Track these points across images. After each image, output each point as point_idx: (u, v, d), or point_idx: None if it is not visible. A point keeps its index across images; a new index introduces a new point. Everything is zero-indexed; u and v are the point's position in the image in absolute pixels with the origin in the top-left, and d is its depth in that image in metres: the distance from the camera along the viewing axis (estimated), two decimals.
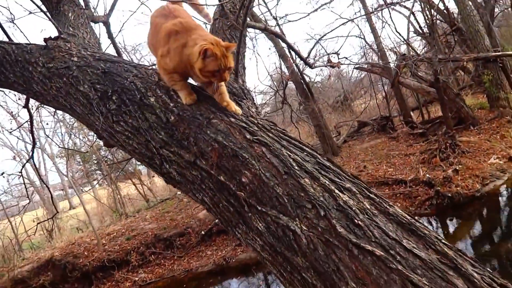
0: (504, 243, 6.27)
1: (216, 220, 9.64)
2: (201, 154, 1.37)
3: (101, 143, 2.43)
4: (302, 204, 1.16)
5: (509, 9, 17.66)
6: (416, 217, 6.18)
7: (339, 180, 1.23)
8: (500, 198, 7.80)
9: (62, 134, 15.08)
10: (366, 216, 1.12)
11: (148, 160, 1.59)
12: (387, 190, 8.76)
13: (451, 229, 7.51)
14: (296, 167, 1.24)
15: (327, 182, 1.20)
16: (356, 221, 1.10)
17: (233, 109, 1.50)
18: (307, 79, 14.72)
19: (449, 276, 0.99)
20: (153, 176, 19.71)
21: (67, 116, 12.24)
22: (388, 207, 1.17)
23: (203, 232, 9.67)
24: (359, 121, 15.80)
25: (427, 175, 8.23)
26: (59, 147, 12.89)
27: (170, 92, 1.56)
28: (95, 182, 20.53)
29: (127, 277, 9.10)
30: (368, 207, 1.15)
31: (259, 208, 1.22)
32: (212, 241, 9.68)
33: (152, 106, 1.54)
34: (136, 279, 8.98)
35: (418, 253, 1.03)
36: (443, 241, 1.10)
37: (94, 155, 15.87)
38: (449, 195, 7.65)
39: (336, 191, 1.17)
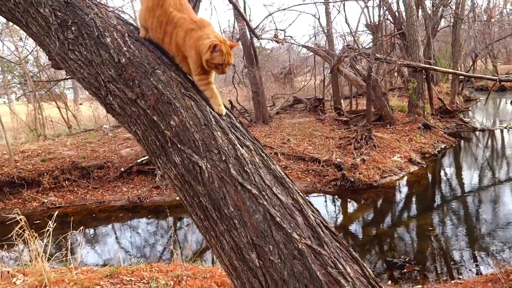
0: (389, 230, 7.34)
1: (138, 160, 9.84)
2: (142, 96, 1.70)
3: (47, 62, 2.58)
4: (211, 149, 1.57)
5: (451, 27, 19.13)
6: (321, 193, 7.00)
7: (242, 138, 1.65)
8: (392, 191, 8.98)
9: None
10: (254, 166, 1.56)
11: (94, 90, 1.87)
12: (302, 164, 9.59)
13: (350, 210, 8.54)
14: (214, 122, 1.64)
15: (233, 137, 1.62)
16: (245, 168, 1.54)
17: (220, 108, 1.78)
18: (257, 44, 14.97)
19: (294, 215, 1.48)
20: (81, 104, 18.95)
21: None
22: (271, 164, 1.63)
23: (122, 169, 9.83)
24: (295, 97, 16.55)
25: (338, 159, 9.15)
26: None
27: (125, 38, 1.84)
28: (13, 96, 19.21)
29: (36, 197, 9.06)
30: (257, 161, 1.60)
31: (179, 146, 1.60)
32: (130, 179, 9.89)
33: (107, 45, 1.80)
34: (45, 201, 8.99)
35: (280, 197, 1.50)
36: (300, 193, 1.59)
37: (18, 67, 14.82)
38: (352, 179, 8.66)
39: (238, 145, 1.60)
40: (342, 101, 14.62)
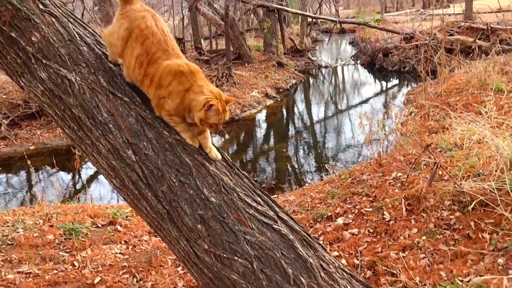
0: (252, 157, 8.13)
1: None
2: None
3: None
4: (79, 63, 1.66)
5: None
6: None
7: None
8: (253, 123, 9.81)
9: None
10: (122, 78, 1.72)
11: None
12: None
13: (216, 143, 9.07)
14: (78, 38, 1.71)
15: (100, 52, 1.73)
16: (115, 79, 1.69)
17: (213, 156, 1.72)
18: None
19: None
20: None
21: None
22: None
23: None
24: None
25: None
26: None
27: None
28: None
29: None
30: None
31: (44, 62, 1.64)
32: None
33: None
34: None
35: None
36: None
37: None
38: None
39: (105, 59, 1.72)
40: (202, 41, 14.71)
